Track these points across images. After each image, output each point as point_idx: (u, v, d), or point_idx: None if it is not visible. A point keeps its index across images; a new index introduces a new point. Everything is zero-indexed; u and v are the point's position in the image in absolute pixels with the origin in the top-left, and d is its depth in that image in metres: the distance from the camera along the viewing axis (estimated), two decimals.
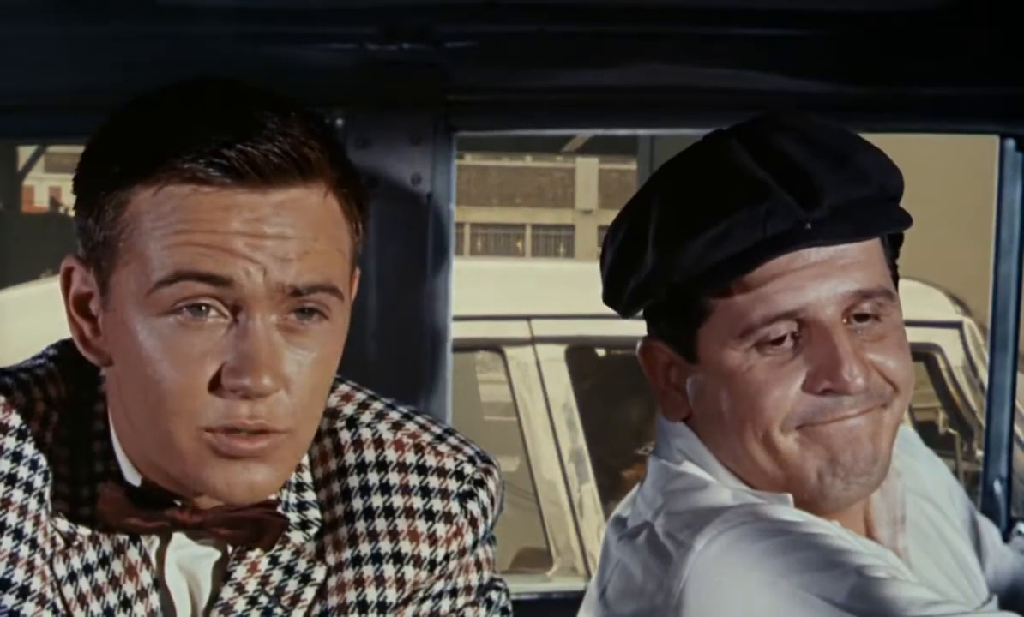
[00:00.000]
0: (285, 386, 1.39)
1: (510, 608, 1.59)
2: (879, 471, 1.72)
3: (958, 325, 4.39)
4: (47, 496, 1.46)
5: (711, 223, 1.68)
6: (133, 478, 1.46)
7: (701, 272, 1.69)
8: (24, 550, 1.44)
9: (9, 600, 1.43)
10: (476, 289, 4.00)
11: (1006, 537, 2.23)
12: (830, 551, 1.63)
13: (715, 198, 1.69)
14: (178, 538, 1.48)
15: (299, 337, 1.40)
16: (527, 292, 4.42)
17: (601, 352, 4.93)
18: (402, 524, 1.51)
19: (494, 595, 1.57)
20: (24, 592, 1.43)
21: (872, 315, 1.71)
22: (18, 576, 1.43)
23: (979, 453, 3.35)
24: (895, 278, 1.78)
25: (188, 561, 1.49)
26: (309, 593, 1.50)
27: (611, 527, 1.84)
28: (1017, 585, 1.98)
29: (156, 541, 1.47)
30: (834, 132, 1.74)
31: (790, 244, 1.67)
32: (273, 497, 1.49)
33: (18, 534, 1.44)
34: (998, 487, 2.59)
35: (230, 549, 1.49)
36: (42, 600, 1.44)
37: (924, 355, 4.39)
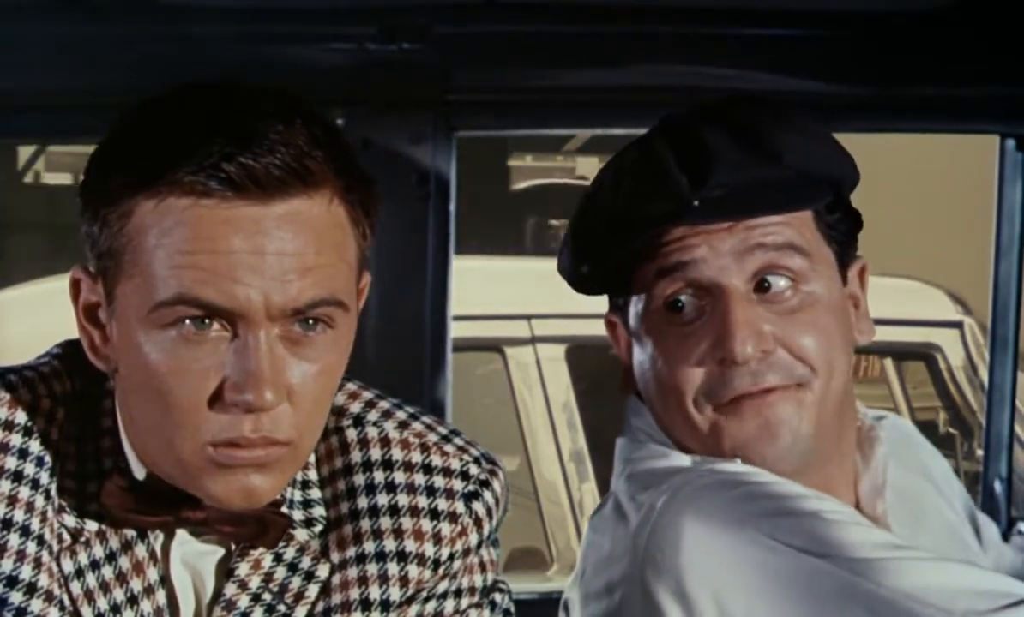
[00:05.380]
0: (288, 397, 1.39)
1: (512, 610, 1.59)
2: (801, 452, 1.71)
3: (958, 325, 4.39)
4: (53, 492, 1.46)
5: (608, 204, 1.75)
6: (139, 472, 1.47)
7: (604, 250, 1.75)
8: (31, 547, 1.44)
9: (16, 597, 1.43)
10: (476, 289, 4.00)
11: (1006, 537, 2.23)
12: (788, 497, 1.64)
13: (618, 181, 1.76)
14: (182, 534, 1.48)
15: (302, 348, 1.40)
16: (527, 292, 4.42)
17: (601, 352, 4.93)
18: (407, 523, 1.51)
19: (497, 597, 1.57)
20: (31, 589, 1.43)
21: (784, 287, 1.70)
22: (25, 573, 1.44)
23: (979, 453, 3.35)
24: (842, 258, 1.77)
25: (192, 557, 1.49)
26: (313, 590, 1.50)
27: (591, 518, 1.85)
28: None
29: (160, 536, 1.48)
30: (768, 116, 1.75)
31: (674, 220, 1.69)
32: (277, 496, 1.49)
33: (25, 530, 1.44)
34: (998, 487, 2.59)
35: (233, 546, 1.49)
36: (49, 597, 1.44)
37: (924, 355, 4.39)
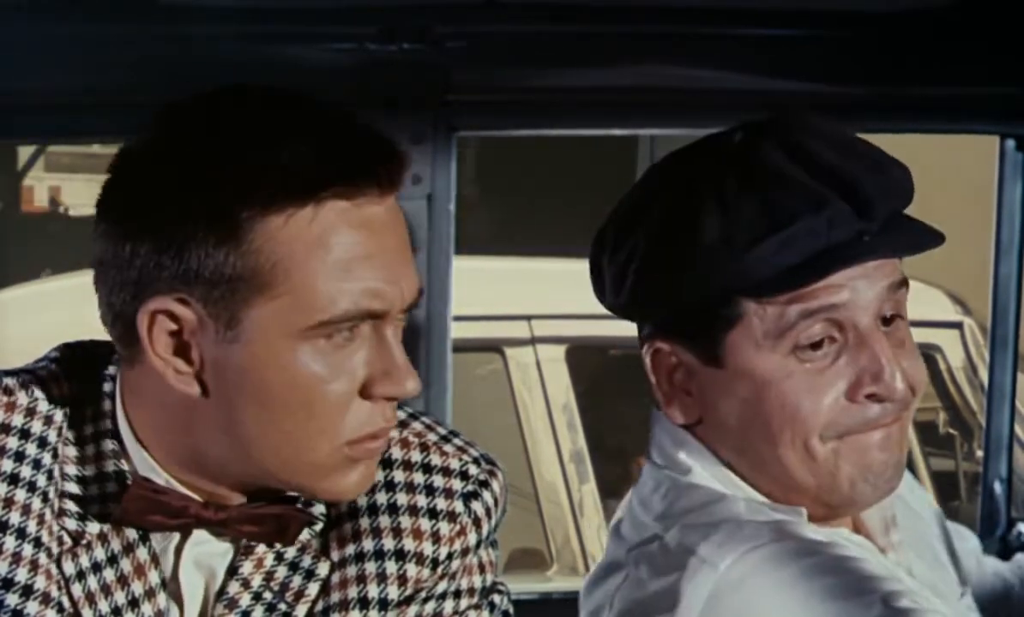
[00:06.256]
0: None
1: (511, 612, 1.59)
2: (902, 474, 1.74)
3: (958, 325, 4.39)
4: (52, 495, 1.46)
5: (772, 231, 1.63)
6: (157, 476, 1.45)
7: (759, 280, 1.65)
8: (28, 549, 1.44)
9: (12, 599, 1.43)
10: (476, 289, 4.00)
11: (1006, 537, 2.23)
12: (857, 577, 1.62)
13: (772, 206, 1.64)
14: (197, 534, 1.48)
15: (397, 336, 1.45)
16: (527, 292, 4.42)
17: (601, 352, 4.93)
18: (406, 522, 1.51)
19: (496, 598, 1.57)
20: (28, 591, 1.43)
21: (895, 315, 1.70)
22: (21, 575, 1.43)
23: (979, 453, 3.35)
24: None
25: (206, 557, 1.49)
26: (313, 589, 1.50)
27: (612, 536, 1.80)
28: (998, 595, 1.99)
29: (176, 537, 1.47)
30: (854, 137, 1.72)
31: (851, 255, 1.65)
32: (291, 492, 1.49)
33: (21, 533, 1.44)
34: (998, 487, 2.59)
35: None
36: (46, 599, 1.43)
37: (924, 355, 4.36)
